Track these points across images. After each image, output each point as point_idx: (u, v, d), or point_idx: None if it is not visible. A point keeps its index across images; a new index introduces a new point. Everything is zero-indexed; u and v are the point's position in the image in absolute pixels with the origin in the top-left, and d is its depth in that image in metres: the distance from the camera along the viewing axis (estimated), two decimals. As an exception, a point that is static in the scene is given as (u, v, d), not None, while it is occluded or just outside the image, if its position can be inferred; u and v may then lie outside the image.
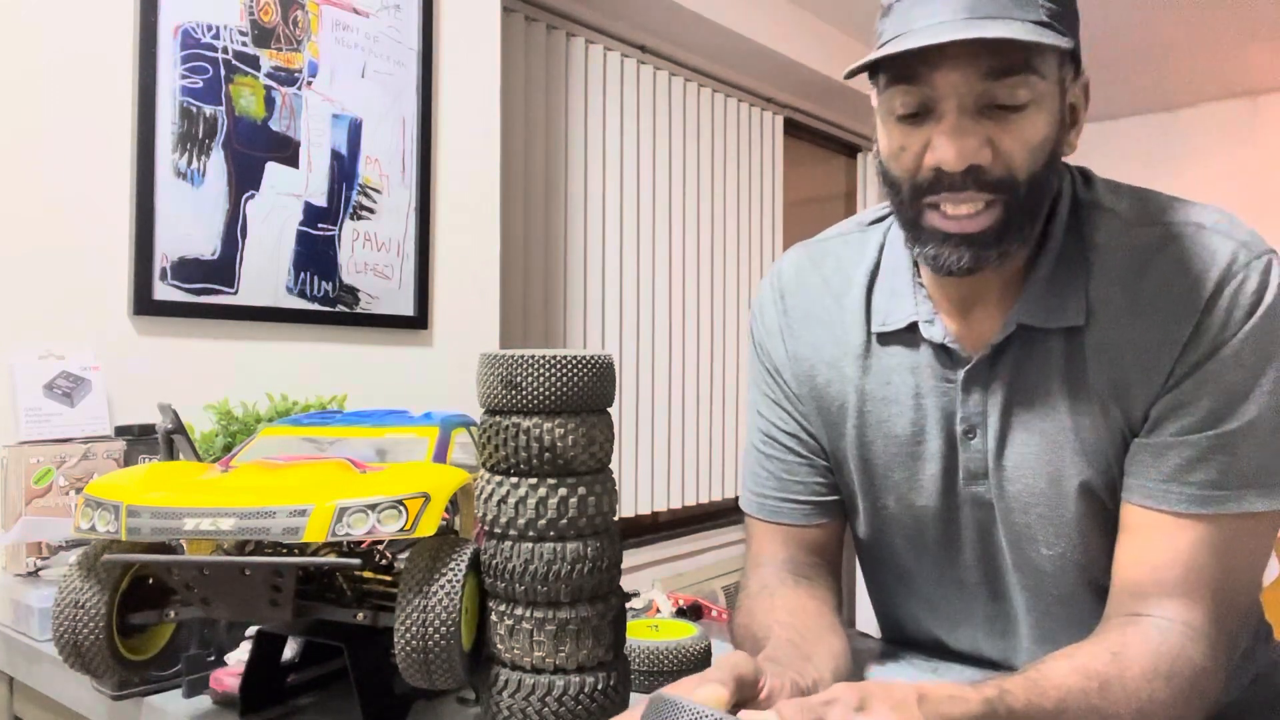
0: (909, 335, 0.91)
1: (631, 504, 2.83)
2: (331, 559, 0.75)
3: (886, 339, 0.93)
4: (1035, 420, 0.86)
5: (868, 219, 1.00)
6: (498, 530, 0.73)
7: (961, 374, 0.88)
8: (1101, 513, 0.86)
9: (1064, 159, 0.87)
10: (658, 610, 1.17)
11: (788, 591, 0.93)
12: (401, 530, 0.71)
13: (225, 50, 1.64)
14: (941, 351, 0.89)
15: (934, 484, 0.92)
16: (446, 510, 0.75)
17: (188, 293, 1.59)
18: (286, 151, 1.73)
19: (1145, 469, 0.82)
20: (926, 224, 0.82)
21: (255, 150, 1.68)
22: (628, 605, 0.89)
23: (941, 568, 0.96)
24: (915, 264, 0.92)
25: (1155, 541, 0.81)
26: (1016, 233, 0.81)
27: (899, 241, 0.94)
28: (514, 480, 0.73)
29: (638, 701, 0.63)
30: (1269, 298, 0.79)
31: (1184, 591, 0.79)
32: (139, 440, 1.36)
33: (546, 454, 0.72)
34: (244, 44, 1.67)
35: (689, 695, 0.59)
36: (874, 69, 0.83)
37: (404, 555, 0.80)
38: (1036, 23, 0.76)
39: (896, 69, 0.80)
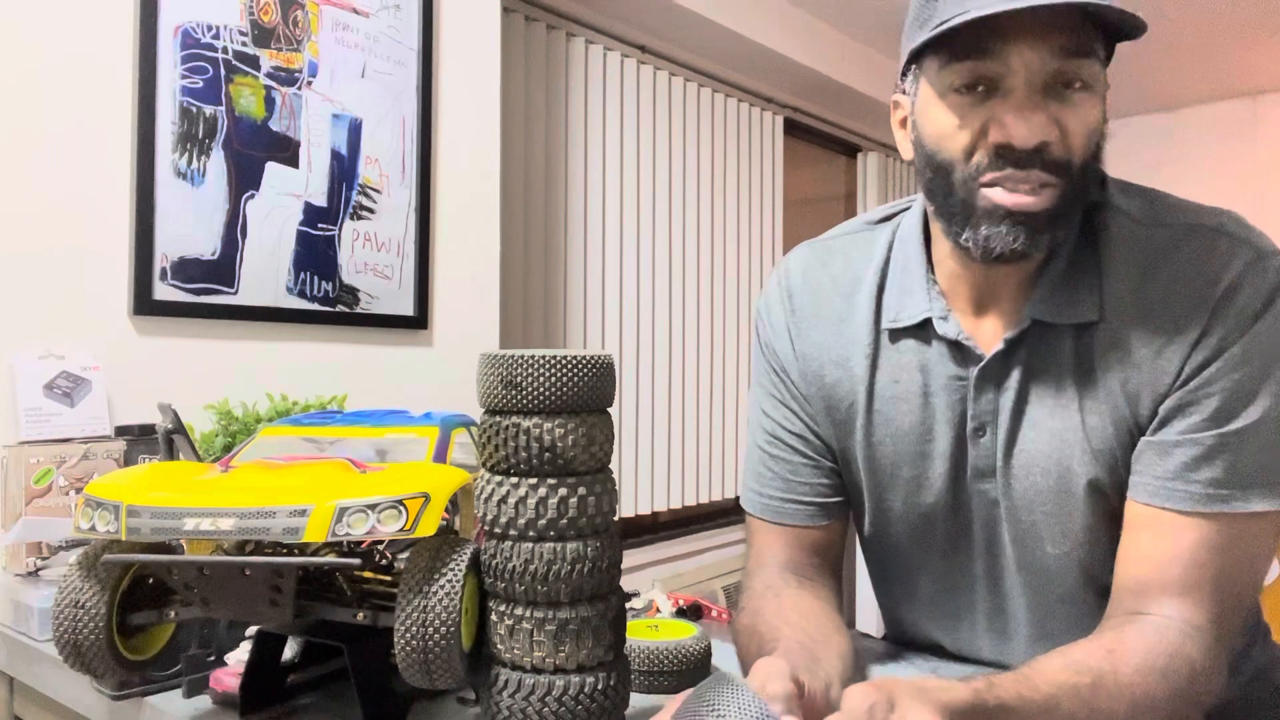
0: (921, 332, 0.91)
1: (631, 504, 2.83)
2: (331, 559, 0.75)
3: (897, 336, 0.92)
4: (1045, 418, 0.86)
5: (874, 218, 1.00)
6: (498, 530, 0.73)
7: (974, 371, 0.88)
8: (1109, 512, 0.86)
9: None
10: (658, 610, 1.17)
11: (793, 593, 0.93)
12: (401, 530, 0.71)
13: (225, 50, 1.64)
14: (955, 348, 0.89)
15: (941, 482, 0.92)
16: (446, 510, 0.75)
17: (188, 293, 1.59)
18: (286, 151, 1.73)
19: (1150, 467, 0.82)
20: (982, 203, 0.80)
21: (255, 150, 1.68)
22: (628, 605, 0.89)
23: (946, 566, 0.96)
24: (928, 261, 0.92)
25: (1158, 539, 0.81)
26: (1065, 221, 0.81)
27: (909, 239, 0.93)
28: (514, 480, 0.73)
29: (639, 703, 0.63)
30: (1278, 300, 0.79)
31: (1185, 590, 0.79)
32: (139, 440, 1.36)
33: (546, 454, 0.72)
34: (244, 44, 1.67)
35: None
36: (926, 46, 0.81)
37: (404, 555, 0.80)
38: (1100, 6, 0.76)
39: (957, 46, 0.79)
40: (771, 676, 0.62)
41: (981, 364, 0.87)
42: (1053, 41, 0.76)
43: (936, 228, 0.89)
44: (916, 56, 0.84)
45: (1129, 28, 0.78)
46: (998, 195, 0.79)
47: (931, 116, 0.83)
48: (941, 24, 0.77)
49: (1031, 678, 0.71)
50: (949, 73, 0.80)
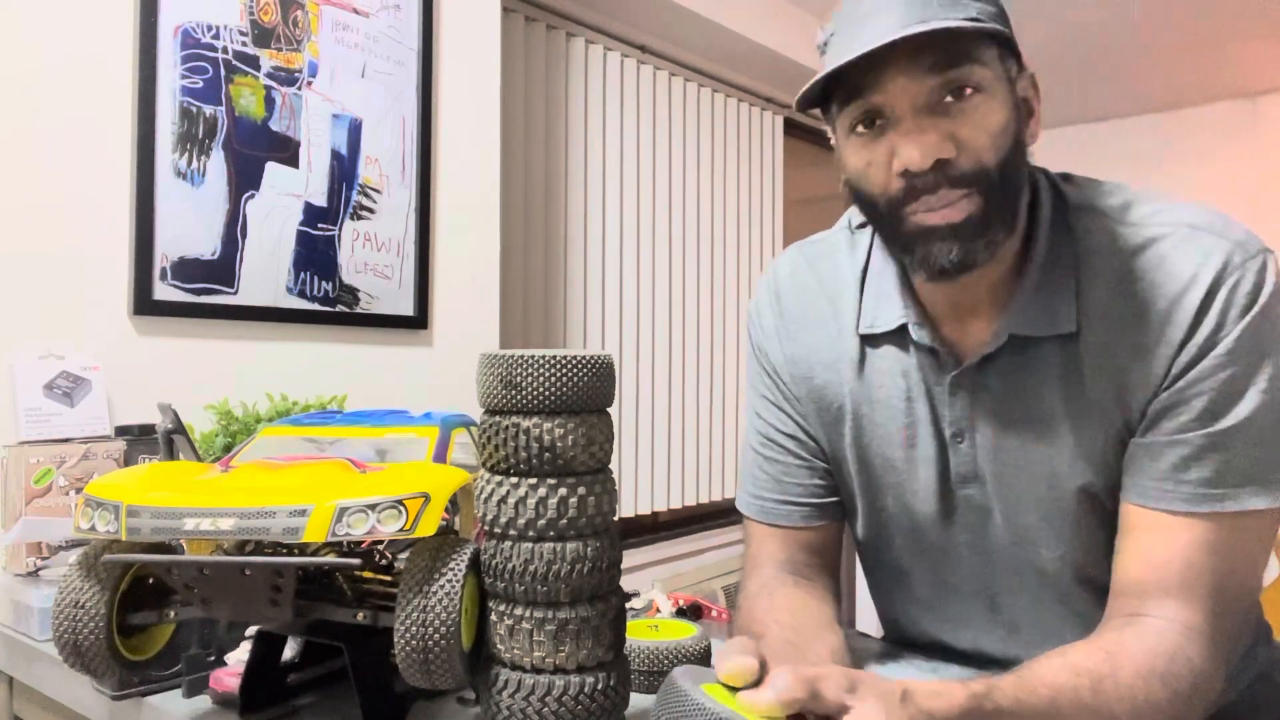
0: (899, 337, 0.91)
1: (631, 504, 2.83)
2: (331, 559, 0.75)
3: (878, 341, 0.93)
4: (1032, 425, 0.86)
5: (856, 221, 1.00)
6: (498, 530, 0.73)
7: (948, 379, 0.88)
8: (1102, 514, 0.86)
9: (1041, 165, 0.87)
10: (658, 610, 1.17)
11: (787, 591, 0.93)
12: (401, 530, 0.71)
13: (225, 50, 1.64)
14: (929, 355, 0.89)
15: (929, 486, 0.92)
16: (446, 510, 0.75)
17: (188, 293, 1.59)
18: (286, 151, 1.73)
19: (1142, 468, 0.82)
20: (909, 228, 0.81)
21: (255, 150, 1.68)
22: (628, 605, 0.89)
23: (937, 571, 0.96)
24: (904, 267, 0.92)
25: (1153, 541, 0.81)
26: (999, 223, 0.81)
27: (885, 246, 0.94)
28: (514, 480, 0.73)
29: (639, 703, 0.63)
30: (1264, 297, 0.79)
31: (1182, 591, 0.79)
32: (139, 440, 1.36)
33: (546, 454, 0.72)
34: (244, 44, 1.67)
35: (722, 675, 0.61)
36: (826, 100, 0.84)
37: (404, 555, 0.80)
38: (968, 19, 0.76)
39: (847, 89, 0.80)
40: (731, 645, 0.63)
41: (954, 372, 0.88)
42: (923, 61, 0.77)
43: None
44: (825, 105, 0.85)
45: (1004, 33, 0.79)
46: (920, 217, 0.80)
47: (846, 157, 0.85)
48: (816, 80, 0.79)
49: (1030, 680, 0.71)
50: (845, 116, 0.82)
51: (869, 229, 0.97)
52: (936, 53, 0.77)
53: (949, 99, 0.78)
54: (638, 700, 0.85)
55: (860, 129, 0.81)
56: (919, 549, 0.96)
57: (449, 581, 0.70)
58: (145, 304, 1.54)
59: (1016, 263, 0.86)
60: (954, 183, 0.78)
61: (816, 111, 0.88)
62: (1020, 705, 0.68)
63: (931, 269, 0.81)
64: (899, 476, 0.93)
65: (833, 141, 0.88)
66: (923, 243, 0.81)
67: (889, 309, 0.91)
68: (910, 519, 0.94)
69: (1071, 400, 0.84)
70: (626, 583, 0.82)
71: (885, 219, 0.83)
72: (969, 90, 0.78)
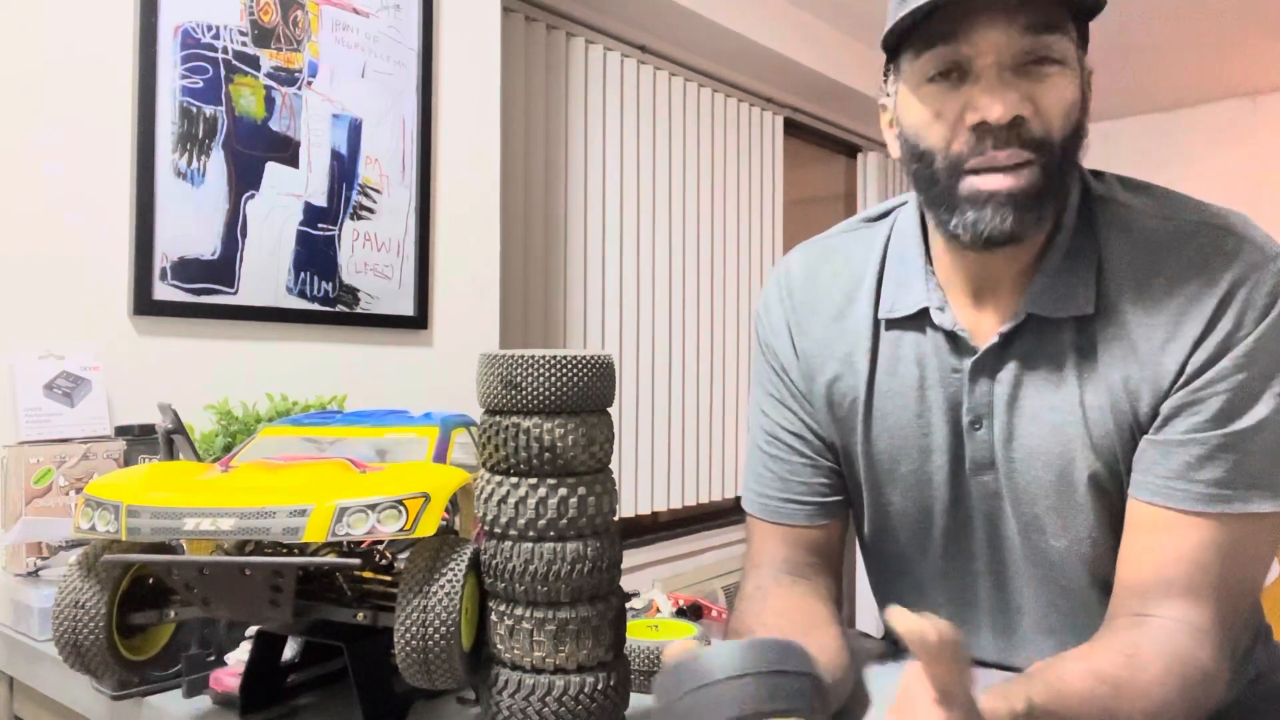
0: (917, 323, 0.91)
1: (631, 504, 2.82)
2: (331, 559, 0.75)
3: (894, 326, 0.92)
4: (1044, 411, 0.86)
5: (872, 214, 1.00)
6: (498, 530, 0.73)
7: (969, 363, 0.88)
8: (1109, 506, 0.86)
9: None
10: (658, 610, 1.17)
11: (781, 592, 0.93)
12: (401, 530, 0.71)
13: (225, 50, 1.64)
14: (950, 339, 0.89)
15: (941, 475, 0.92)
16: (446, 510, 0.75)
17: (188, 293, 1.59)
18: (286, 151, 1.73)
19: (1153, 466, 0.81)
20: (964, 190, 0.80)
21: (255, 150, 1.68)
22: (628, 605, 0.89)
23: (946, 562, 0.96)
24: (927, 252, 0.92)
25: (1161, 540, 0.81)
26: (1050, 199, 0.81)
27: (907, 232, 0.94)
28: (514, 480, 0.73)
29: (639, 703, 0.63)
30: None
31: (1189, 591, 0.79)
32: (139, 440, 1.36)
33: (546, 454, 0.72)
34: (244, 44, 1.66)
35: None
36: (901, 42, 0.83)
37: (404, 555, 0.80)
38: None
39: (928, 35, 0.80)
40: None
41: (976, 356, 0.88)
42: (1018, 20, 0.77)
43: (931, 218, 0.90)
44: (894, 54, 0.85)
45: (1091, 3, 0.79)
46: (977, 182, 0.80)
47: (911, 108, 0.84)
48: (909, 11, 0.79)
49: (1056, 686, 0.71)
50: (922, 63, 0.81)
51: (885, 220, 0.98)
52: (1033, 15, 0.77)
53: (1033, 64, 0.78)
54: (638, 700, 0.85)
55: (936, 79, 0.81)
56: (926, 543, 0.96)
57: (449, 581, 0.70)
58: (145, 304, 1.54)
59: (1041, 248, 0.86)
60: (1025, 143, 0.79)
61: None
62: (1051, 718, 0.68)
63: (977, 235, 0.80)
64: (910, 466, 0.93)
65: (887, 91, 0.88)
66: (975, 207, 0.80)
67: (910, 293, 0.91)
68: (919, 510, 0.94)
69: (1085, 385, 0.84)
70: (626, 583, 0.82)
71: (938, 175, 0.82)
72: (1050, 60, 0.79)
